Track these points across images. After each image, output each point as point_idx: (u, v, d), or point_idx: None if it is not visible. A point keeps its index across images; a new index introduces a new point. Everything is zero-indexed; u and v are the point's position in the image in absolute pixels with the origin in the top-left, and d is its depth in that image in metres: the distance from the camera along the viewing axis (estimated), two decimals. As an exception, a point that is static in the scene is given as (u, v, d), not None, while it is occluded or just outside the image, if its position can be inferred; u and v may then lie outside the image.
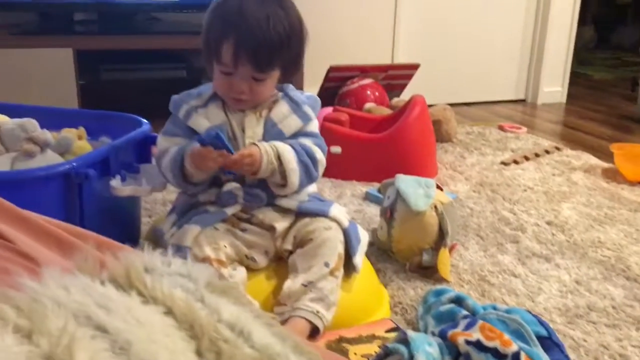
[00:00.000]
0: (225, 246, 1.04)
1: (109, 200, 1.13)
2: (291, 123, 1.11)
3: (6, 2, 2.19)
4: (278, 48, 1.03)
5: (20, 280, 0.35)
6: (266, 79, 1.06)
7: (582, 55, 4.27)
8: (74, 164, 1.03)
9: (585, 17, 4.29)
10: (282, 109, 1.12)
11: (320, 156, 1.12)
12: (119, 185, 1.10)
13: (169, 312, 0.42)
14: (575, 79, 3.35)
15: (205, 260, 1.01)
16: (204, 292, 0.48)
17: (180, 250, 1.01)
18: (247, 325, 0.47)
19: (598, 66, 4.34)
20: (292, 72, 1.11)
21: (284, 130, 1.10)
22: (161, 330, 0.38)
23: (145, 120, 1.31)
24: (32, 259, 0.47)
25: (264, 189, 1.10)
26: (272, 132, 1.10)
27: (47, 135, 1.24)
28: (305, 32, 1.09)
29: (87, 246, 0.45)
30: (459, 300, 1.12)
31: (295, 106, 1.13)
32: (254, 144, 1.06)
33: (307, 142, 1.11)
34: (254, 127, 1.09)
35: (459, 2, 2.97)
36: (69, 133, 1.33)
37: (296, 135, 1.11)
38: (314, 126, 1.15)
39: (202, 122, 1.09)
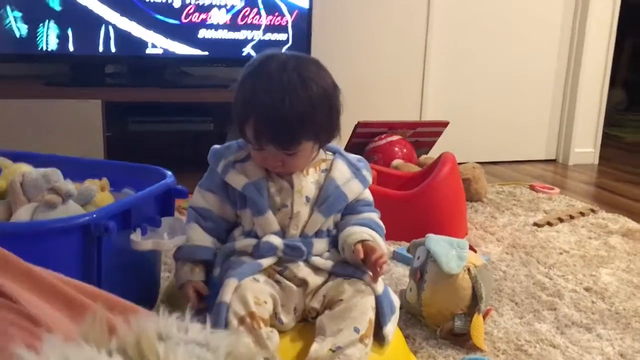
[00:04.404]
0: (265, 302, 0.98)
1: (129, 254, 1.08)
2: (353, 187, 1.10)
3: (39, 54, 2.23)
4: (299, 127, 1.00)
5: (17, 352, 0.31)
6: (297, 152, 1.03)
7: (613, 117, 4.21)
8: (94, 215, 1.00)
9: (615, 80, 4.25)
10: (342, 171, 1.10)
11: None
12: (139, 239, 1.06)
13: (183, 388, 0.36)
14: (607, 140, 3.29)
15: (249, 316, 0.95)
16: (223, 364, 0.43)
17: (219, 308, 0.96)
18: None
19: (629, 128, 4.27)
20: (327, 137, 1.08)
21: (348, 195, 1.09)
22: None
23: (169, 172, 1.28)
24: (37, 321, 0.42)
25: (306, 243, 1.05)
26: (335, 194, 1.08)
27: (70, 185, 1.21)
28: (335, 98, 1.06)
29: (97, 308, 0.41)
30: (496, 373, 1.04)
31: (355, 169, 1.12)
32: (368, 243, 1.04)
33: (376, 218, 1.12)
34: (301, 181, 1.07)
35: (488, 61, 2.96)
36: (91, 184, 1.30)
37: (358, 202, 1.11)
38: (369, 192, 1.14)
39: (238, 179, 1.07)
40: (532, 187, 2.51)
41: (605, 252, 1.80)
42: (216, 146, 1.13)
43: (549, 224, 2.03)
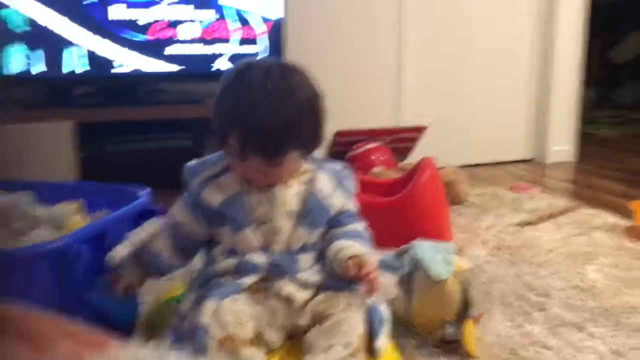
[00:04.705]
0: (247, 321, 0.95)
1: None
2: (335, 200, 1.06)
3: (5, 79, 2.17)
4: (285, 137, 0.96)
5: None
6: (282, 163, 1.00)
7: (585, 114, 4.26)
8: (65, 240, 0.95)
9: (585, 78, 4.29)
10: (325, 181, 1.06)
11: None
12: (115, 253, 1.01)
13: None
14: (581, 137, 3.31)
15: (230, 339, 0.91)
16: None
17: (197, 331, 0.92)
18: None
19: (601, 124, 4.32)
20: (313, 146, 1.04)
21: (330, 209, 1.05)
22: None
23: (144, 191, 1.24)
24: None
25: (290, 259, 1.02)
26: (319, 207, 1.04)
27: (40, 210, 1.17)
28: (319, 106, 1.02)
29: (65, 343, 0.37)
30: (491, 380, 1.01)
31: (338, 179, 1.08)
32: (359, 259, 1.00)
33: (362, 229, 1.09)
34: (283, 195, 1.03)
35: (462, 64, 2.96)
36: (65, 207, 1.26)
37: (343, 213, 1.07)
38: (354, 202, 1.11)
39: (215, 195, 1.02)
40: (512, 188, 2.51)
41: (590, 248, 1.79)
42: (190, 163, 1.08)
43: (533, 223, 2.03)
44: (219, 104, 1.00)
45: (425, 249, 1.27)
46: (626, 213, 2.08)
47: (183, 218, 1.06)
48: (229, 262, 1.02)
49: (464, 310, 1.22)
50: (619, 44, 5.04)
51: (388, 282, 1.54)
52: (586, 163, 3.11)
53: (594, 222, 2.03)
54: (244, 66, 1.01)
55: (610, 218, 2.08)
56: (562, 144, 3.16)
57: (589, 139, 3.74)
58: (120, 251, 1.03)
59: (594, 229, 1.97)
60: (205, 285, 1.03)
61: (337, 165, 1.12)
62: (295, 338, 1.03)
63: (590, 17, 3.08)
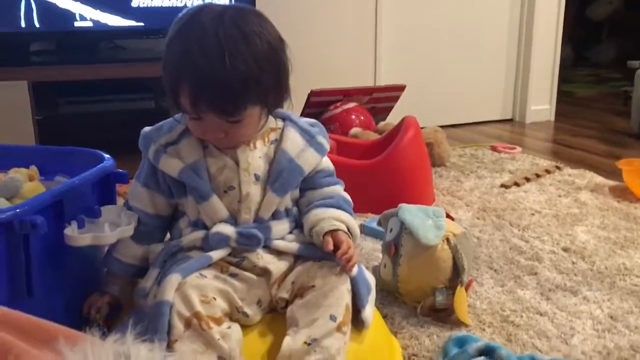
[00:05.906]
0: (214, 298, 0.86)
1: (63, 252, 0.93)
2: (309, 157, 0.96)
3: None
4: (242, 89, 0.85)
5: None
6: (242, 120, 0.89)
7: (562, 73, 4.21)
8: (18, 210, 0.84)
9: (562, 36, 4.24)
10: (295, 140, 0.96)
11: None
12: (75, 234, 0.90)
13: None
14: (559, 96, 3.26)
15: (195, 317, 0.83)
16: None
17: (159, 308, 0.83)
18: None
19: (579, 83, 4.28)
20: (276, 101, 0.93)
21: (303, 167, 0.95)
22: None
23: (107, 156, 1.12)
24: None
25: (262, 229, 0.93)
26: (289, 168, 0.94)
27: (-12, 177, 1.05)
28: (283, 54, 0.91)
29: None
30: (489, 351, 0.95)
31: (309, 137, 0.97)
32: (338, 235, 0.91)
33: (341, 191, 1.00)
34: (247, 157, 0.93)
35: (440, 23, 2.85)
36: (17, 173, 1.14)
37: (317, 173, 0.98)
38: (328, 160, 1.01)
39: (173, 164, 0.92)
40: (493, 148, 2.45)
41: (577, 209, 1.74)
42: (146, 129, 0.97)
43: (516, 184, 1.96)
44: (167, 54, 0.89)
45: (413, 213, 1.19)
46: (610, 172, 2.03)
47: (140, 202, 0.96)
48: (196, 235, 0.93)
49: (455, 277, 1.15)
50: (596, 1, 4.97)
51: (372, 248, 1.47)
52: (565, 122, 3.06)
53: (579, 182, 1.98)
54: (194, 10, 0.89)
55: (595, 178, 2.03)
56: (541, 103, 3.10)
57: (566, 97, 3.70)
58: (80, 240, 0.90)
59: (579, 189, 1.91)
60: (170, 260, 0.93)
61: (307, 121, 1.01)
62: (276, 311, 0.95)
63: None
